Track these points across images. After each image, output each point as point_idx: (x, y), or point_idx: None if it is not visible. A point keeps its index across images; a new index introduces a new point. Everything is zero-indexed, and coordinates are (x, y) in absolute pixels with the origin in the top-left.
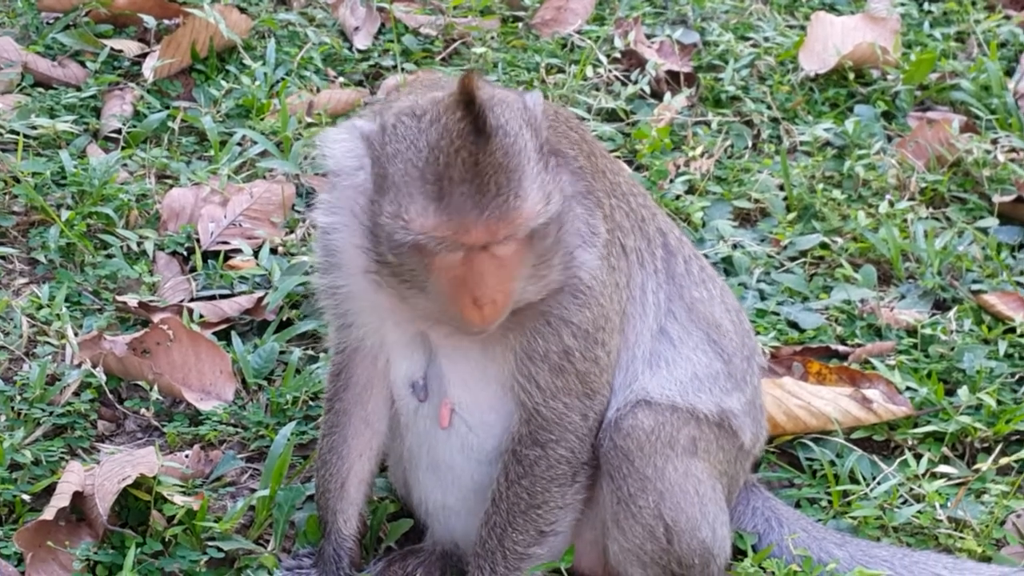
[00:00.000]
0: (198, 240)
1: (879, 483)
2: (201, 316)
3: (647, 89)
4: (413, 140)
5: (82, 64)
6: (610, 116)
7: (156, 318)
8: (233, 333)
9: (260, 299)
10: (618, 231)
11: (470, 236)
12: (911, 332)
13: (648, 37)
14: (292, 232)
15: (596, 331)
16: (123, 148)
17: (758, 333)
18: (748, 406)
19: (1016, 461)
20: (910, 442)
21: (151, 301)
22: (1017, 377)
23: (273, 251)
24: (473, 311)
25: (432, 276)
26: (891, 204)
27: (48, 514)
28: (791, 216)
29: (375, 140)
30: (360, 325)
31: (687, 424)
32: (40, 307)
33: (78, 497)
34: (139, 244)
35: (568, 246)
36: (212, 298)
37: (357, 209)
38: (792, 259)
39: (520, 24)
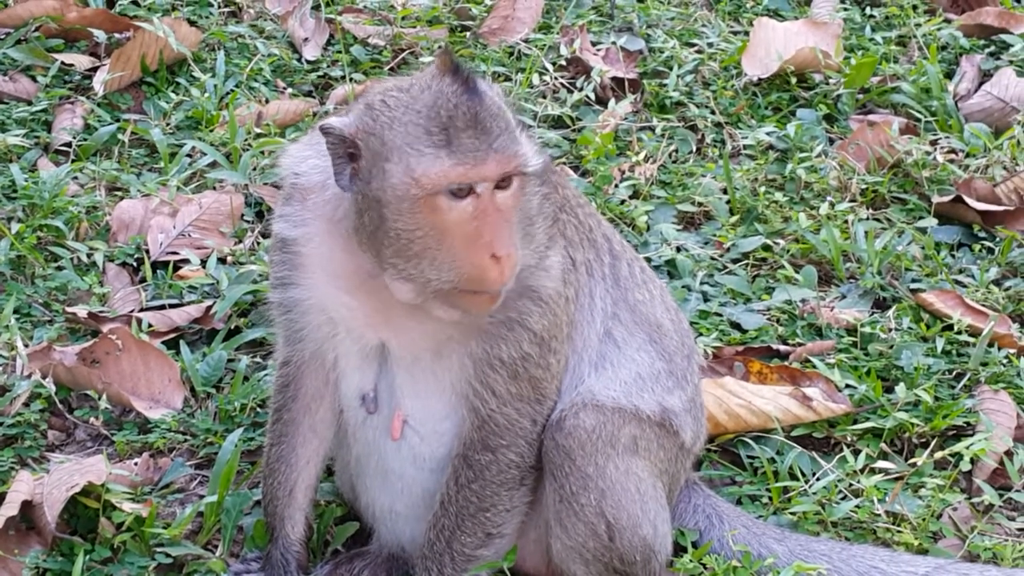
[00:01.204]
0: (147, 251)
1: (818, 479)
2: (150, 326)
3: (592, 96)
4: (408, 105)
5: (33, 78)
6: (556, 123)
7: (106, 328)
8: (182, 342)
9: (208, 308)
10: (569, 246)
11: (486, 169)
12: (851, 331)
13: (594, 44)
14: (240, 242)
15: (550, 339)
16: (73, 161)
17: (701, 334)
18: (689, 404)
19: (952, 455)
20: (849, 439)
21: (101, 312)
22: (954, 374)
23: (222, 261)
24: (493, 266)
25: (446, 238)
26: (832, 206)
27: None
28: (734, 219)
29: (360, 123)
30: (312, 339)
31: (628, 423)
32: None
33: (27, 506)
34: (89, 256)
35: (544, 233)
36: (162, 308)
37: (339, 213)
38: (735, 261)
39: (468, 33)
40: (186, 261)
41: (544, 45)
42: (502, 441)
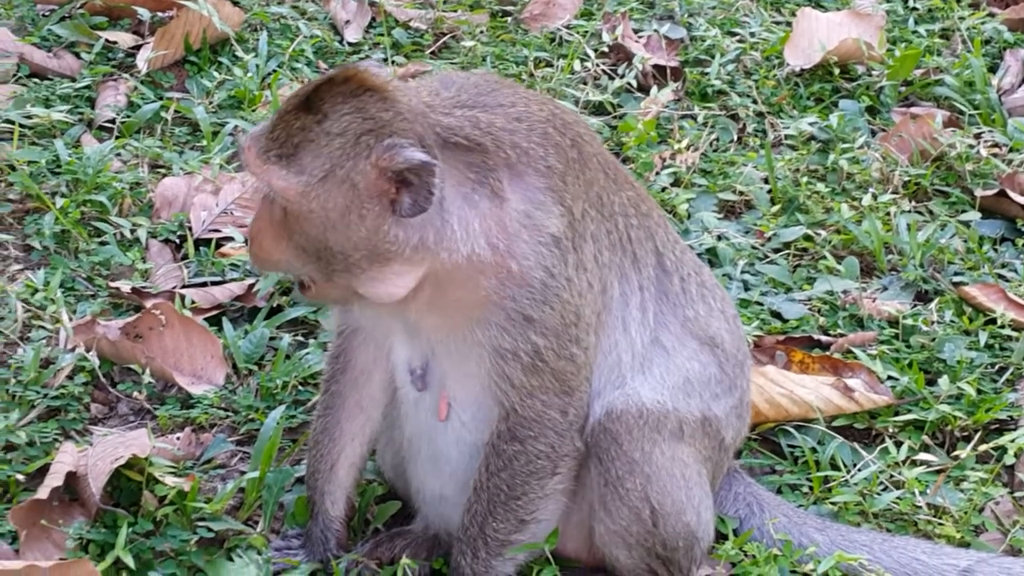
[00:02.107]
0: (190, 228)
1: (859, 470)
2: (193, 302)
3: (634, 83)
4: None
5: (77, 55)
6: (597, 109)
7: (149, 304)
8: (224, 319)
9: (251, 286)
10: (590, 239)
11: (243, 156)
12: (893, 323)
13: (635, 32)
14: None
15: (566, 328)
16: (117, 138)
17: (742, 323)
18: (735, 408)
19: (995, 449)
20: (890, 430)
21: (144, 287)
22: (997, 367)
23: None
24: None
25: None
26: (874, 197)
27: (42, 493)
28: (775, 209)
29: None
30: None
31: (674, 415)
32: (35, 292)
33: (71, 477)
34: (132, 232)
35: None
36: (204, 285)
37: None
38: (776, 251)
39: (509, 19)
40: (228, 239)
41: (585, 31)
42: (530, 433)
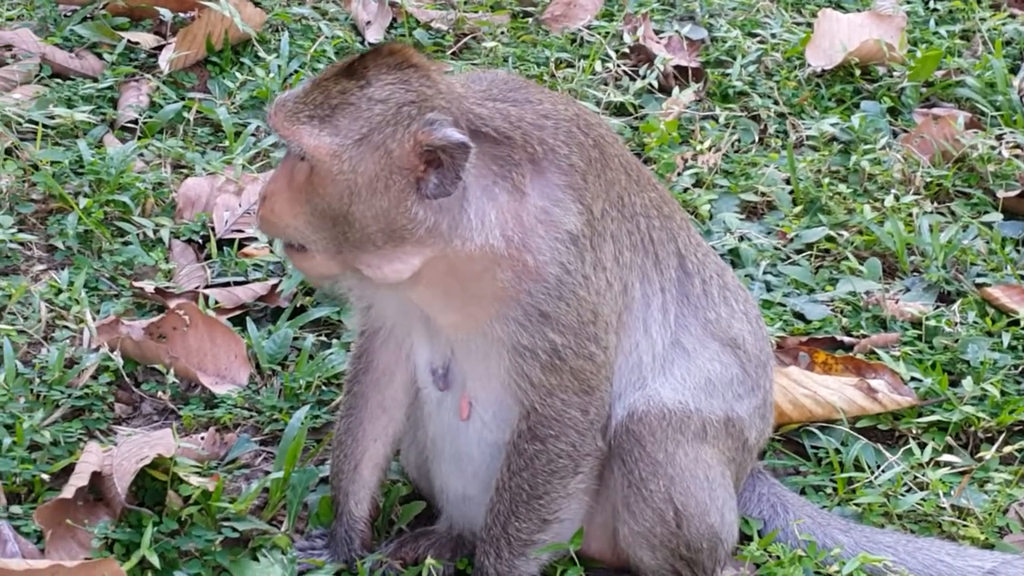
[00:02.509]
0: (213, 228)
1: (883, 471)
2: (216, 302)
3: (655, 84)
4: None
5: (99, 56)
6: (618, 110)
7: (172, 304)
8: (248, 319)
9: (274, 286)
10: (610, 238)
11: (271, 120)
12: (916, 324)
13: (656, 33)
14: None
15: (583, 326)
16: (139, 138)
17: (765, 324)
18: (758, 409)
19: (1019, 450)
20: (914, 431)
21: (167, 287)
22: (1020, 369)
23: None
24: (258, 204)
25: None
26: (896, 198)
27: (67, 493)
28: (797, 209)
29: None
30: (381, 309)
31: (696, 416)
32: (58, 292)
33: (96, 477)
34: (155, 232)
35: (472, 214)
36: (227, 285)
37: None
38: (798, 251)
39: (530, 19)
40: (251, 239)
41: (607, 32)
42: (550, 432)
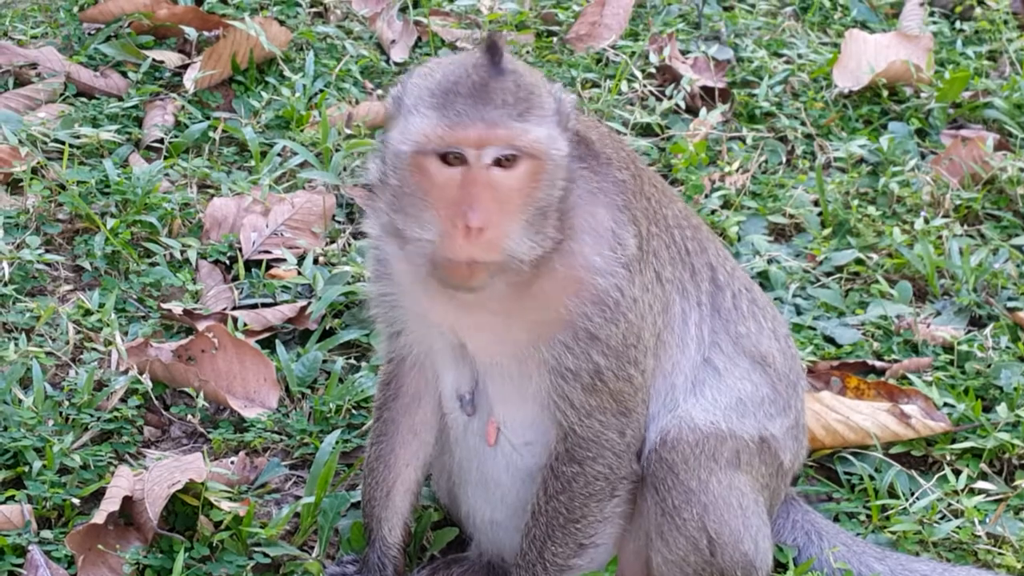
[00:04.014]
0: (240, 249)
1: (918, 498)
2: (245, 325)
3: (682, 104)
4: (431, 72)
5: (124, 75)
6: (645, 131)
7: (201, 326)
8: (277, 341)
9: (303, 308)
10: (653, 257)
11: (466, 135)
12: (947, 348)
13: (683, 53)
14: (333, 242)
15: (627, 348)
16: (165, 158)
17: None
18: (791, 429)
19: None
20: (948, 458)
21: (195, 309)
22: None
23: (315, 261)
24: (461, 237)
25: (429, 199)
26: (926, 221)
27: (98, 518)
28: (826, 232)
29: (398, 91)
30: (410, 335)
31: (731, 439)
32: (87, 313)
33: (127, 501)
34: (182, 252)
35: (573, 227)
36: (254, 307)
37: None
38: (828, 274)
39: (555, 39)
40: (279, 260)
41: (632, 52)
42: (588, 454)
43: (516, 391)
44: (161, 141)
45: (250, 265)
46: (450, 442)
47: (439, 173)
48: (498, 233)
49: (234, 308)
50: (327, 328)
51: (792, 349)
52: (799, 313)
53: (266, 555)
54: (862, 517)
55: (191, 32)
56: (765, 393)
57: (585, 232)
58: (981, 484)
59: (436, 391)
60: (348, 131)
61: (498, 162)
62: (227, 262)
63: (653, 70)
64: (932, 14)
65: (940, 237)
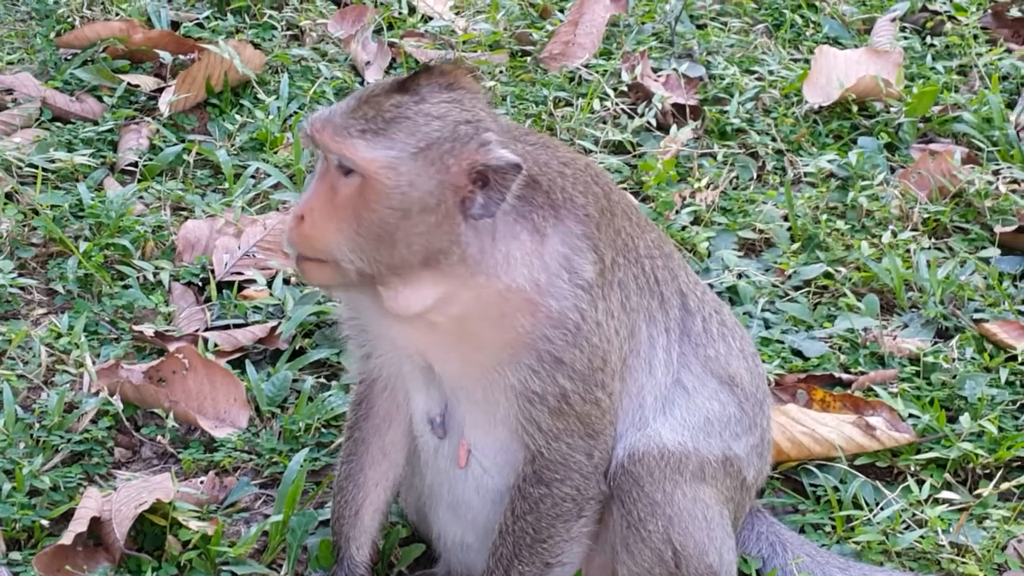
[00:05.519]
0: (213, 271)
1: (882, 508)
2: (216, 345)
3: (653, 122)
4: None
5: (99, 99)
6: (617, 148)
7: (172, 347)
8: (247, 362)
9: (273, 328)
10: (618, 286)
11: (311, 129)
12: (913, 360)
13: (654, 71)
14: None
15: (593, 372)
16: (139, 181)
17: (763, 361)
18: (755, 447)
19: (1017, 487)
20: (912, 468)
21: (167, 331)
22: (1018, 404)
23: (286, 281)
24: (291, 223)
25: None
26: (894, 234)
27: (66, 539)
28: (795, 246)
29: None
30: (379, 358)
31: (694, 456)
32: (58, 336)
33: (95, 522)
34: (155, 275)
35: (504, 255)
36: (226, 327)
37: None
38: (796, 288)
39: (529, 58)
40: (251, 281)
41: (605, 71)
42: (556, 476)
43: (484, 414)
44: (136, 164)
45: (222, 286)
46: (420, 463)
47: (318, 158)
48: (317, 230)
49: (206, 329)
50: (297, 348)
51: (759, 368)
52: (767, 327)
53: (234, 574)
54: (827, 528)
55: (166, 56)
56: (732, 412)
57: (520, 260)
58: (945, 494)
59: (407, 413)
60: None
61: (345, 168)
62: (200, 284)
63: (625, 88)
64: (903, 29)
65: (908, 250)
